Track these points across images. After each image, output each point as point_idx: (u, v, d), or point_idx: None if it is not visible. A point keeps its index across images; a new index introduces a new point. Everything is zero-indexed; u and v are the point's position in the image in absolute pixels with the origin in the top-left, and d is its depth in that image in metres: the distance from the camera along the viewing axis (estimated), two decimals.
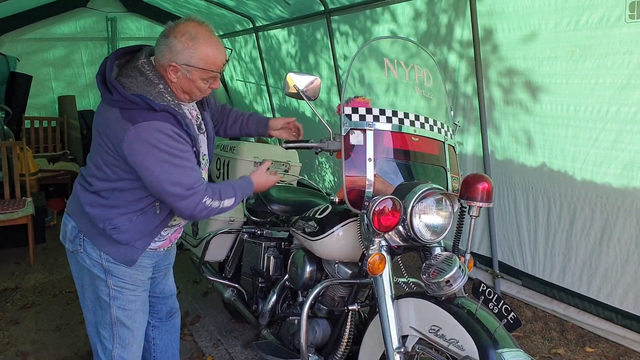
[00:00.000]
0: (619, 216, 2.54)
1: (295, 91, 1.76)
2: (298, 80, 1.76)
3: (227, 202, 1.73)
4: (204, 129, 1.89)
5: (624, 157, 2.42)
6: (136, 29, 6.77)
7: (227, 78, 7.02)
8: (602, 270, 2.69)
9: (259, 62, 5.93)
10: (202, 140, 1.85)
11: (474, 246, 3.44)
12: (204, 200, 1.65)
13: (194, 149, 1.70)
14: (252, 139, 3.77)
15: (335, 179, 5.23)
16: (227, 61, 1.71)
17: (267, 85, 5.96)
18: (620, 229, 2.55)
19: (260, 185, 1.91)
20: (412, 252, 1.88)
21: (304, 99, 1.77)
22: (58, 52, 6.39)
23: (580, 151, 2.62)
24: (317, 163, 5.45)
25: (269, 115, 6.18)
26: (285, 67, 5.42)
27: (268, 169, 1.97)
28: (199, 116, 1.87)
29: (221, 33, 6.60)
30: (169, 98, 1.64)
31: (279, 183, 2.87)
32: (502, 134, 3.05)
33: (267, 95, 6.05)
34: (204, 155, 1.87)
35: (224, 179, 2.99)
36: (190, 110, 1.81)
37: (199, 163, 1.74)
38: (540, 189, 2.93)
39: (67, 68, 6.50)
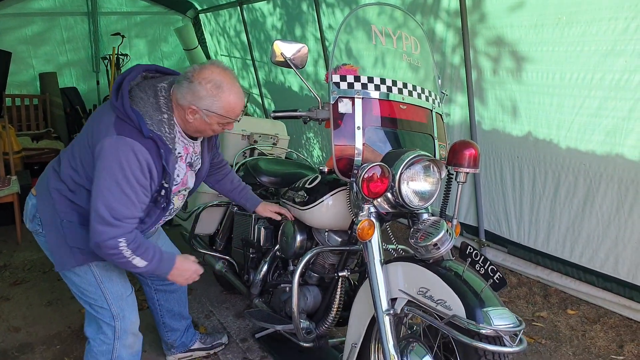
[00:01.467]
0: (602, 182, 2.60)
1: (283, 59, 1.74)
2: (285, 48, 1.74)
3: (138, 261, 1.64)
4: (196, 168, 1.92)
5: (608, 123, 2.47)
6: (117, 4, 6.60)
7: (211, 53, 6.92)
8: (584, 235, 2.76)
9: (243, 35, 5.85)
10: (190, 176, 1.88)
11: (461, 216, 3.50)
12: (120, 240, 1.58)
13: (161, 185, 1.70)
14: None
15: (324, 154, 5.24)
16: (245, 107, 1.76)
17: (252, 59, 5.89)
18: (602, 195, 2.61)
19: (179, 271, 1.80)
20: (400, 221, 1.91)
21: (291, 67, 1.75)
22: (37, 28, 6.22)
23: (565, 119, 2.66)
24: (304, 138, 5.44)
25: (255, 90, 6.13)
26: (271, 40, 5.35)
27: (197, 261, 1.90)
28: (199, 156, 1.90)
29: (205, 7, 6.48)
30: (166, 130, 1.68)
31: (268, 155, 2.88)
32: (489, 104, 3.07)
33: (252, 69, 5.99)
34: (183, 190, 1.87)
35: None
36: (188, 146, 1.83)
37: (155, 199, 1.73)
38: (526, 157, 2.97)
39: (47, 44, 6.33)
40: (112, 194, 1.57)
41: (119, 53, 5.91)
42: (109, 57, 5.95)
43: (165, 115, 1.68)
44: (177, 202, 1.90)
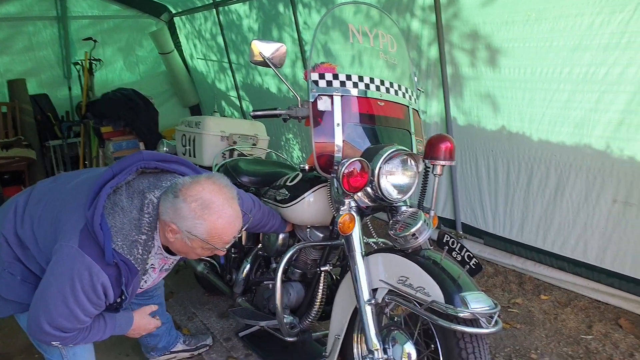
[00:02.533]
0: (571, 172, 2.70)
1: (261, 59, 1.78)
2: (263, 48, 1.77)
3: (80, 346, 1.59)
4: (169, 269, 1.77)
5: (576, 115, 2.57)
6: (88, 7, 6.47)
7: (187, 57, 6.88)
8: (556, 224, 2.86)
9: (220, 38, 5.83)
10: (153, 277, 1.70)
11: (438, 210, 3.58)
12: (53, 342, 1.50)
13: (116, 300, 1.53)
14: (217, 113, 3.75)
15: (304, 155, 5.27)
16: (239, 233, 1.55)
17: (229, 61, 5.88)
18: (572, 184, 2.71)
19: (136, 331, 1.76)
20: (380, 217, 1.96)
21: (270, 67, 1.79)
22: (3, 33, 6.06)
23: (536, 112, 2.75)
24: (284, 140, 5.47)
25: (233, 93, 6.12)
26: (248, 42, 5.36)
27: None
28: (175, 261, 1.73)
29: (179, 10, 6.44)
30: (139, 251, 1.50)
31: (249, 156, 2.90)
32: (465, 99, 3.15)
33: (229, 71, 5.98)
34: (142, 286, 1.70)
35: (190, 156, 2.98)
36: (167, 259, 1.67)
37: (112, 305, 1.54)
38: (500, 151, 3.06)
39: (14, 50, 6.17)
40: (55, 305, 1.42)
41: (92, 58, 5.83)
42: (82, 62, 5.86)
43: (144, 237, 1.50)
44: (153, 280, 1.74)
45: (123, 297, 1.54)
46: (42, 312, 1.44)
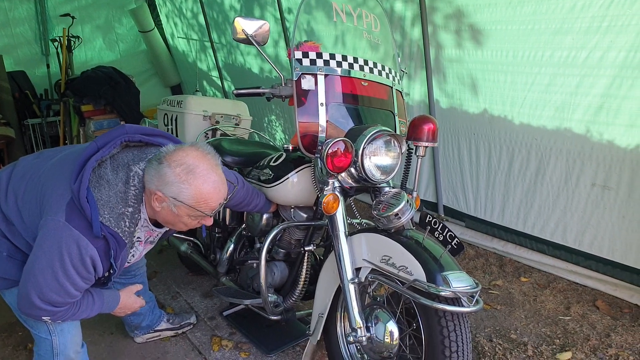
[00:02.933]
0: (552, 156, 2.74)
1: (244, 36, 1.75)
2: (246, 25, 1.75)
3: (68, 322, 1.59)
4: (154, 241, 1.76)
5: (557, 99, 2.60)
6: None
7: (167, 36, 6.75)
8: (536, 207, 2.92)
9: (201, 17, 5.73)
10: (140, 250, 1.70)
11: (420, 192, 3.61)
12: (43, 318, 1.49)
13: (104, 274, 1.54)
14: (200, 92, 3.70)
15: (286, 136, 5.25)
16: (225, 200, 1.55)
17: (211, 41, 5.79)
18: (552, 168, 2.76)
19: (122, 310, 1.76)
20: (363, 200, 1.97)
21: (253, 44, 1.76)
22: None
23: (518, 96, 2.78)
24: (266, 121, 5.43)
25: (215, 73, 6.04)
26: (229, 21, 5.28)
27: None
28: (160, 234, 1.73)
29: None
30: (126, 224, 1.49)
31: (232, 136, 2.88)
32: (448, 82, 3.16)
33: (211, 51, 5.89)
34: (129, 260, 1.69)
35: (172, 134, 2.95)
36: (153, 231, 1.66)
37: (100, 279, 1.55)
38: (482, 134, 3.09)
39: None
40: (44, 279, 1.40)
41: (70, 35, 5.68)
42: (60, 39, 5.70)
43: (130, 209, 1.49)
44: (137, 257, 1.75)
45: (111, 271, 1.53)
46: (32, 286, 1.42)
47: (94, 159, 1.47)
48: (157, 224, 1.65)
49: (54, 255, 1.40)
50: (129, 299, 1.80)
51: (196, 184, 1.45)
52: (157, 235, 1.74)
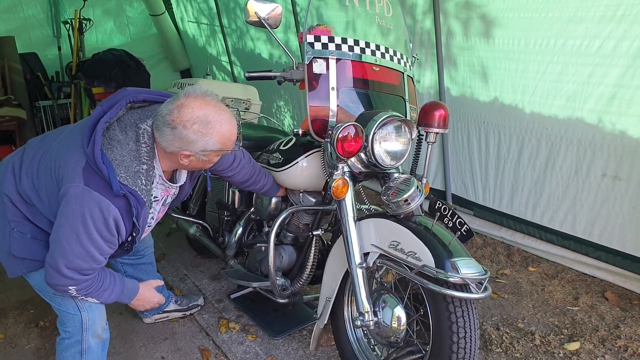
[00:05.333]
0: (562, 145, 2.72)
1: (257, 19, 1.75)
2: (259, 8, 1.74)
3: (91, 299, 1.61)
4: (170, 202, 1.81)
5: (568, 88, 2.57)
6: None
7: (178, 20, 6.73)
8: (545, 196, 2.90)
9: (211, 1, 5.71)
10: (157, 211, 1.73)
11: (428, 181, 3.60)
12: (69, 288, 1.52)
13: (128, 238, 1.57)
14: (210, 76, 3.70)
15: (295, 122, 5.24)
16: (240, 130, 1.62)
17: (221, 25, 5.77)
18: (563, 157, 2.74)
19: (140, 302, 1.81)
20: (371, 188, 1.97)
21: (265, 27, 1.76)
22: None
23: (529, 84, 2.75)
24: (275, 107, 5.42)
25: (224, 58, 6.03)
26: (240, 6, 5.25)
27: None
28: (176, 193, 1.79)
29: None
30: (143, 182, 1.52)
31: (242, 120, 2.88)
32: (459, 69, 3.13)
33: (221, 35, 5.87)
34: (149, 223, 1.73)
35: None
36: (169, 189, 1.72)
37: (124, 244, 1.59)
38: (492, 122, 3.07)
39: (2, 8, 6.00)
40: (70, 245, 1.44)
41: (81, 17, 5.68)
42: (71, 21, 5.71)
43: (145, 166, 1.52)
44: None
45: (134, 234, 1.57)
46: (58, 254, 1.46)
47: (103, 121, 1.49)
48: (172, 180, 1.72)
49: (77, 221, 1.43)
50: (148, 292, 1.83)
51: (216, 131, 1.50)
52: (174, 193, 1.78)
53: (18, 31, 6.07)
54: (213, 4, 5.67)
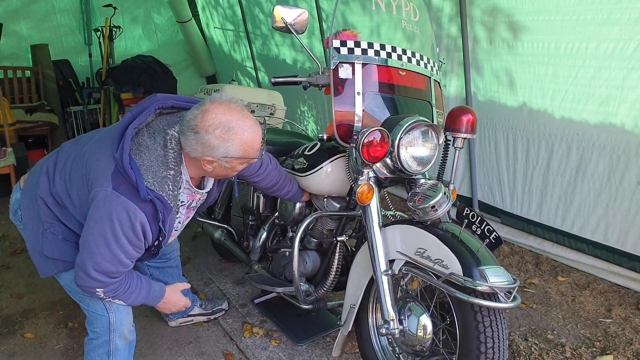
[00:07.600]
0: (594, 151, 2.64)
1: (283, 24, 1.75)
2: (286, 14, 1.75)
3: (119, 301, 1.65)
4: (196, 206, 1.83)
5: (601, 93, 2.50)
6: None
7: (204, 26, 6.83)
8: (576, 204, 2.82)
9: (237, 7, 5.77)
10: (184, 215, 1.76)
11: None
12: (97, 290, 1.55)
13: (154, 242, 1.61)
14: (235, 82, 3.73)
15: (318, 127, 5.24)
16: (264, 139, 1.61)
17: (246, 32, 5.83)
18: (595, 164, 2.66)
19: (166, 305, 1.83)
20: (397, 194, 1.95)
21: (292, 32, 1.76)
22: None
23: (559, 89, 2.68)
24: (299, 112, 5.44)
25: (249, 63, 6.08)
26: (265, 12, 5.30)
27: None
28: (203, 198, 1.81)
29: None
30: (170, 187, 1.54)
31: (267, 126, 2.89)
32: (485, 75, 3.08)
33: (246, 42, 5.93)
34: (176, 227, 1.76)
35: None
36: (195, 194, 1.74)
37: (151, 248, 1.62)
38: (520, 128, 3.01)
39: (37, 15, 6.20)
40: (98, 249, 1.47)
41: (112, 25, 5.82)
42: (102, 29, 5.85)
43: (172, 172, 1.54)
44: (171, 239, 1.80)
45: (161, 238, 1.59)
46: (87, 257, 1.49)
47: (132, 127, 1.51)
48: (199, 186, 1.73)
49: (105, 224, 1.46)
50: (175, 295, 1.86)
51: (238, 137, 1.50)
52: (200, 198, 1.80)
53: (52, 39, 6.26)
54: (239, 10, 5.73)
